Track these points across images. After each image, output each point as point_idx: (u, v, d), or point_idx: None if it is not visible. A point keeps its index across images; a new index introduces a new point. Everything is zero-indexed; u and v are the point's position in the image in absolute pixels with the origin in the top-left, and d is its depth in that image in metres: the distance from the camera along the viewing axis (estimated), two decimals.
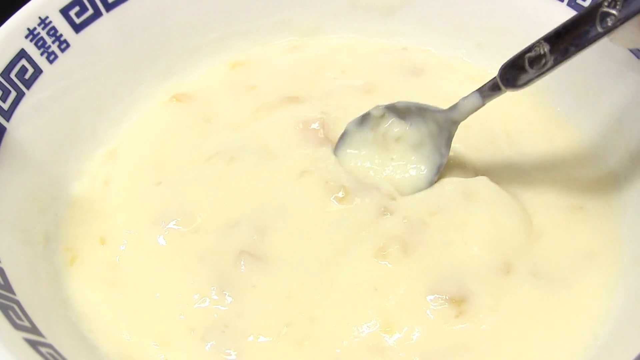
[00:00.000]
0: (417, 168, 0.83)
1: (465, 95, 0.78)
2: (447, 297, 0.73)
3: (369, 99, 0.89)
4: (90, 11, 0.87)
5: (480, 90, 0.77)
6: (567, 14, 0.86)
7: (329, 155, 0.84)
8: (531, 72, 0.72)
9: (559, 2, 0.88)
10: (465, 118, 0.79)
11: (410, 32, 1.00)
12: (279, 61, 0.98)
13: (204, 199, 0.81)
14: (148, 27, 0.93)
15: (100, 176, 0.86)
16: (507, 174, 0.84)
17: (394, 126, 0.83)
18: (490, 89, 0.76)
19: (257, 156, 0.84)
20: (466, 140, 0.86)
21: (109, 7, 0.88)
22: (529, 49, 0.72)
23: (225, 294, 0.74)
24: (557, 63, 0.70)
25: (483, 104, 0.77)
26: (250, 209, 0.79)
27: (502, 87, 0.74)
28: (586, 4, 0.85)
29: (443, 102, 0.81)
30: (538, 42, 0.71)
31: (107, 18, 0.88)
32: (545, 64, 0.71)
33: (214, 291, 0.74)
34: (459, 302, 0.72)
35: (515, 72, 0.73)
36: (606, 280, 0.76)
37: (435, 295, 0.73)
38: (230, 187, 0.82)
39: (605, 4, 0.65)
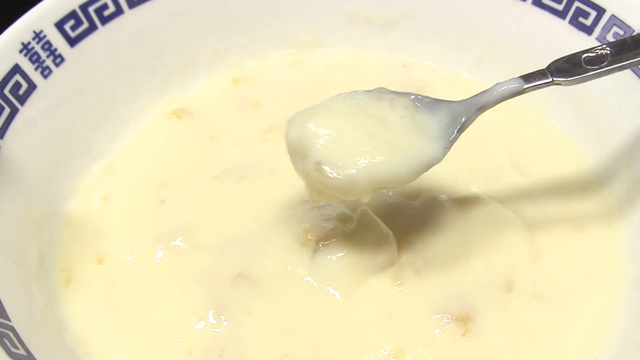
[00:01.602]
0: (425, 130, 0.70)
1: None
2: (453, 317, 0.73)
3: None
4: (86, 25, 0.85)
5: (523, 76, 0.71)
6: (568, 30, 0.87)
7: None
8: (587, 68, 0.69)
9: (561, 20, 0.87)
10: (496, 104, 0.71)
11: (410, 47, 0.99)
12: (280, 77, 0.97)
13: (209, 217, 0.80)
14: (143, 41, 0.91)
15: (96, 193, 0.85)
16: (509, 193, 0.83)
17: (398, 100, 0.70)
18: (536, 76, 0.70)
19: (268, 177, 0.83)
20: (467, 159, 0.85)
21: (104, 21, 0.87)
22: (588, 51, 0.70)
23: (222, 318, 0.73)
24: (617, 63, 0.69)
25: (523, 91, 0.70)
26: (252, 230, 0.79)
27: (551, 78, 0.70)
28: (587, 22, 0.85)
29: None
30: (600, 45, 0.70)
31: (102, 32, 0.87)
32: (605, 63, 0.69)
33: (211, 314, 0.73)
34: (464, 320, 0.72)
35: (568, 67, 0.70)
36: (608, 303, 0.75)
37: (442, 314, 0.73)
38: (237, 207, 0.81)
39: None
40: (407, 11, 0.97)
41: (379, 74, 0.97)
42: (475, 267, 0.76)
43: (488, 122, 0.79)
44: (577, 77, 0.69)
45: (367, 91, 0.71)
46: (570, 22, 0.86)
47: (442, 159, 0.69)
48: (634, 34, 0.69)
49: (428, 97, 0.71)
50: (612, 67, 0.69)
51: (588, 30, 0.85)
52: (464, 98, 0.71)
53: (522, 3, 0.90)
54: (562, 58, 0.71)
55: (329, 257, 0.75)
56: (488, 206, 0.80)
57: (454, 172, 0.82)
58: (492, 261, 0.76)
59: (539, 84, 0.70)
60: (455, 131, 0.69)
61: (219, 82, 0.97)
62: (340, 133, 0.67)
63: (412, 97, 0.71)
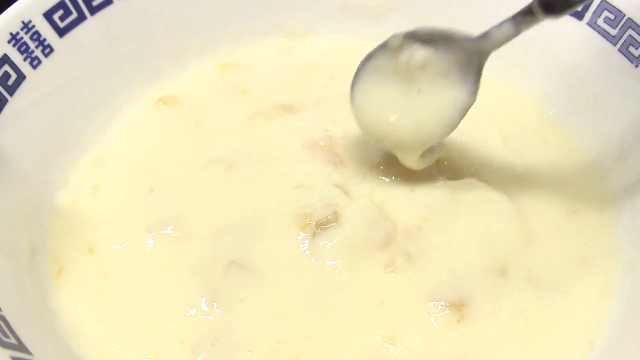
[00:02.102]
0: (447, 97, 0.74)
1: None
2: (447, 303, 0.72)
3: None
4: (75, 15, 0.85)
5: (513, 18, 0.70)
6: (562, 22, 0.86)
7: (330, 173, 0.82)
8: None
9: None
10: (496, 48, 0.72)
11: None
12: (270, 64, 0.97)
13: (200, 206, 0.80)
14: (134, 31, 0.90)
15: (87, 184, 0.84)
16: (502, 176, 0.83)
17: (417, 51, 0.73)
18: (525, 16, 0.68)
19: (258, 165, 0.83)
20: (461, 143, 0.85)
21: (93, 11, 0.86)
22: None
23: (215, 306, 0.73)
24: None
25: (517, 33, 0.70)
26: (244, 218, 0.78)
27: (539, 14, 0.67)
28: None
29: None
30: None
31: (91, 21, 0.86)
32: None
33: (204, 302, 0.73)
34: (459, 307, 0.72)
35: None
36: (602, 287, 0.76)
37: (436, 301, 0.72)
38: (228, 195, 0.80)
39: None
40: (399, 1, 0.97)
41: None
42: (469, 252, 0.75)
43: (483, 107, 0.78)
44: (564, 8, 0.66)
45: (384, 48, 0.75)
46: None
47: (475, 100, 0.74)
48: None
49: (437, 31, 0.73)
50: None
51: (579, 15, 0.85)
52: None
53: None
54: None
55: (326, 241, 0.75)
56: (481, 190, 0.80)
57: (448, 156, 0.82)
58: (486, 246, 0.76)
59: (529, 24, 0.69)
60: (476, 75, 0.73)
61: (208, 69, 0.96)
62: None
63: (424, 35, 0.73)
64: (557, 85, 0.89)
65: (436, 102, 0.74)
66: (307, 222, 0.76)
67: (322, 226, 0.75)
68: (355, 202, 0.78)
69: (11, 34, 0.79)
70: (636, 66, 0.80)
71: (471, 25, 0.93)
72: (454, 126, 0.75)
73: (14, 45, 0.79)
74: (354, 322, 0.72)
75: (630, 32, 0.80)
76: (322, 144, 0.84)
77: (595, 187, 0.83)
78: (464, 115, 0.75)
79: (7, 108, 0.78)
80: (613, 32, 0.79)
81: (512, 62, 0.91)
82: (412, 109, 0.75)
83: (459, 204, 0.78)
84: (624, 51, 0.81)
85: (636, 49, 0.80)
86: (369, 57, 0.77)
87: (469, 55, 0.73)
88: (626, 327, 0.71)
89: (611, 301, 0.74)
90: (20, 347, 0.62)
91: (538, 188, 0.82)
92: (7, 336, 0.62)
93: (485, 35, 0.72)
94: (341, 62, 0.96)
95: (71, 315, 0.73)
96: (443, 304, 0.72)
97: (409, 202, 0.79)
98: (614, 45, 0.82)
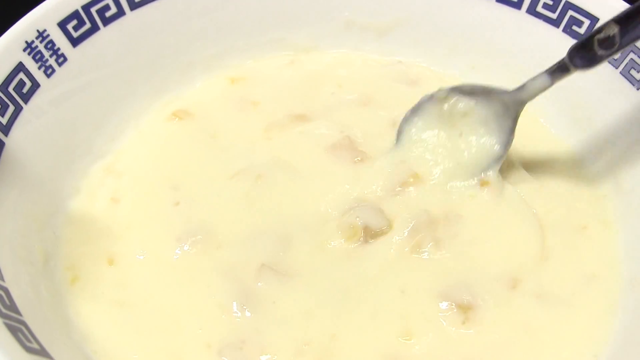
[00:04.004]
0: (488, 141, 0.83)
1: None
2: (456, 303, 0.75)
3: (369, 111, 0.92)
4: (88, 25, 0.86)
5: (548, 71, 0.78)
6: (562, 38, 0.89)
7: (360, 175, 0.84)
8: (600, 52, 0.73)
9: (554, 28, 0.90)
10: (532, 98, 0.80)
11: (405, 53, 1.01)
12: (277, 76, 0.98)
13: (230, 216, 0.81)
14: (144, 43, 0.92)
15: (102, 194, 0.85)
16: (522, 190, 0.85)
17: (460, 102, 0.83)
18: (559, 70, 0.77)
19: (285, 173, 0.85)
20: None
21: (106, 22, 0.87)
22: (599, 31, 0.73)
23: (245, 309, 0.73)
24: (626, 43, 0.72)
25: (552, 84, 0.78)
26: (276, 225, 0.80)
27: (571, 68, 0.76)
28: (581, 30, 0.87)
29: None
30: (607, 23, 0.73)
31: (104, 32, 0.87)
32: (615, 44, 0.72)
33: (235, 306, 0.74)
34: (466, 309, 0.74)
35: (584, 53, 0.74)
36: (606, 302, 0.78)
37: (447, 300, 0.75)
38: (256, 205, 0.82)
39: None
40: (403, 19, 0.99)
41: (374, 71, 0.99)
42: (487, 258, 0.78)
43: None
44: (593, 64, 0.74)
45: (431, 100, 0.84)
46: (564, 30, 0.89)
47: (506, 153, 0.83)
48: (635, 5, 0.71)
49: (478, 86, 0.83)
50: (623, 46, 0.73)
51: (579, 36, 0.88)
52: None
53: (516, 11, 0.92)
54: (578, 43, 0.75)
55: (373, 249, 0.78)
56: (517, 202, 0.83)
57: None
58: (502, 256, 0.78)
59: (562, 77, 0.77)
60: (512, 124, 0.82)
61: (217, 83, 0.97)
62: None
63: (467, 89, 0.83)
64: (559, 105, 0.91)
65: (474, 145, 0.84)
66: (354, 231, 0.78)
67: (372, 236, 0.78)
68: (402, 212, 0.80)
69: (26, 42, 0.80)
70: (637, 89, 0.83)
71: (473, 46, 0.97)
72: (490, 162, 0.83)
73: (29, 54, 0.80)
74: (376, 316, 0.74)
75: (632, 55, 0.83)
76: (342, 144, 0.86)
77: (598, 201, 0.85)
78: (502, 153, 0.83)
79: (22, 115, 0.79)
80: (615, 55, 0.82)
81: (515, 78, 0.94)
82: (452, 150, 0.84)
83: (494, 209, 0.81)
84: (626, 74, 0.83)
85: (637, 72, 0.82)
86: (417, 107, 0.86)
87: (506, 107, 0.82)
88: (629, 340, 0.73)
89: (614, 315, 0.76)
90: (43, 351, 0.63)
91: (551, 201, 0.84)
92: (29, 341, 0.62)
93: (521, 87, 0.80)
94: (347, 72, 0.99)
95: (87, 323, 0.73)
96: (453, 303, 0.75)
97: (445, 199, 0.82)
98: (616, 68, 0.85)
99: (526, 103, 0.81)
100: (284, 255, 0.77)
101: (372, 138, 0.88)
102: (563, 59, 0.76)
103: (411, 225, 0.78)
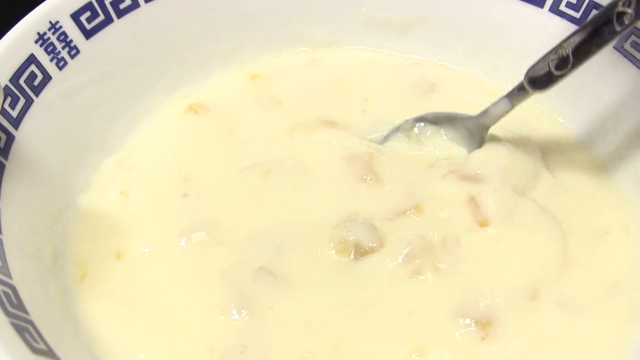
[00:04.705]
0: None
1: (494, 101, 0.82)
2: (474, 320, 0.72)
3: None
4: (102, 17, 0.84)
5: (508, 95, 0.81)
6: None
7: (369, 192, 0.82)
8: (556, 73, 0.76)
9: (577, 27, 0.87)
10: (495, 122, 0.83)
11: (425, 51, 0.99)
12: (298, 76, 0.96)
13: (233, 211, 0.80)
14: (158, 36, 0.90)
15: (112, 188, 0.83)
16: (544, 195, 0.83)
17: (427, 129, 0.86)
18: (518, 92, 0.80)
19: (295, 172, 0.83)
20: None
21: (120, 14, 0.86)
22: (553, 52, 0.76)
23: (243, 313, 0.72)
24: (579, 62, 0.74)
25: (512, 107, 0.81)
26: (277, 226, 0.78)
27: (529, 90, 0.78)
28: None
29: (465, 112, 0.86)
30: (560, 44, 0.75)
31: (118, 24, 0.86)
32: (569, 64, 0.75)
33: (233, 309, 0.72)
34: (485, 325, 0.72)
35: (541, 75, 0.77)
36: (627, 310, 0.75)
37: (464, 317, 0.72)
38: (262, 201, 0.81)
39: (620, 3, 0.70)
40: (423, 16, 0.98)
41: (394, 73, 0.97)
42: (503, 272, 0.76)
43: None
44: (549, 85, 0.77)
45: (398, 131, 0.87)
46: None
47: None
48: (584, 22, 0.74)
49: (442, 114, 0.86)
50: (575, 66, 0.75)
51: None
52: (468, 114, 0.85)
53: (539, 10, 0.90)
54: (533, 65, 0.78)
55: (364, 265, 0.76)
56: (532, 209, 0.80)
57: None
58: (521, 267, 0.76)
59: (522, 99, 0.80)
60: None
61: (236, 78, 0.96)
62: None
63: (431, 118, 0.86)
64: (581, 107, 0.90)
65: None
66: (345, 246, 0.76)
67: (362, 253, 0.76)
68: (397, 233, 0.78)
69: (38, 33, 0.78)
70: None
71: (494, 45, 0.95)
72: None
73: (41, 45, 0.78)
74: (382, 333, 0.72)
75: None
76: (361, 160, 0.84)
77: (622, 207, 0.83)
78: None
79: (33, 108, 0.77)
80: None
81: None
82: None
83: (509, 221, 0.79)
84: None
85: None
86: (386, 139, 0.87)
87: (470, 132, 0.85)
88: None
89: (635, 324, 0.74)
90: (50, 352, 0.61)
91: (572, 206, 0.82)
92: (36, 341, 0.61)
93: (484, 112, 0.83)
94: (368, 75, 0.97)
95: (96, 322, 0.72)
96: (469, 320, 0.72)
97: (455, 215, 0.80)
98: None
99: (489, 127, 0.84)
100: (279, 259, 0.75)
101: (394, 163, 0.86)
102: (521, 82, 0.79)
103: (405, 252, 0.76)
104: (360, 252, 0.76)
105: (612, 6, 0.71)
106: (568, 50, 0.75)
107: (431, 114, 0.86)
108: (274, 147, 0.86)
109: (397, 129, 0.87)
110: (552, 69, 0.76)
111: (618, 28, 0.71)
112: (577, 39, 0.74)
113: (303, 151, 0.85)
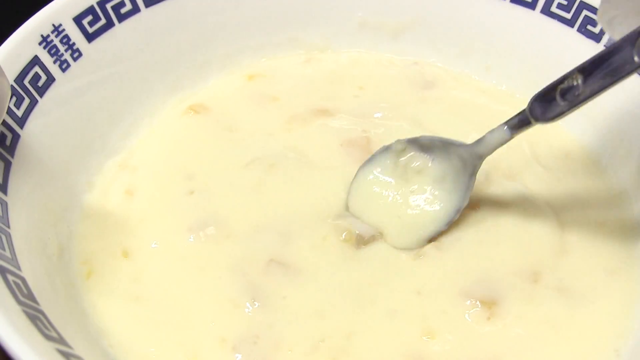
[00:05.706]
0: (437, 204, 0.80)
1: (492, 128, 0.76)
2: (479, 300, 0.74)
3: (393, 114, 0.92)
4: (103, 21, 0.85)
5: (507, 123, 0.74)
6: (577, 38, 0.89)
7: None
8: (563, 104, 0.68)
9: (569, 28, 0.90)
10: (491, 152, 0.76)
11: (420, 53, 1.01)
12: (295, 74, 0.98)
13: (240, 205, 0.80)
14: (159, 40, 0.91)
15: (117, 188, 0.84)
16: (539, 186, 0.85)
17: (415, 159, 0.80)
18: (519, 122, 0.73)
19: (298, 164, 0.84)
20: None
21: (121, 18, 0.87)
22: (561, 81, 0.68)
23: (256, 304, 0.72)
24: (591, 94, 0.66)
25: (511, 138, 0.74)
26: (284, 217, 0.79)
27: (532, 121, 0.71)
28: (596, 29, 0.88)
29: (458, 111, 0.88)
30: (571, 73, 0.67)
31: (119, 28, 0.87)
32: (579, 95, 0.66)
33: (246, 301, 0.73)
34: (490, 304, 0.74)
35: (546, 105, 0.69)
36: (626, 297, 0.77)
37: (470, 297, 0.74)
38: (268, 194, 0.82)
39: None
40: (417, 19, 0.99)
41: (390, 71, 0.99)
42: (505, 253, 0.78)
43: None
44: (554, 117, 0.69)
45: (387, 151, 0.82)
46: (579, 30, 0.89)
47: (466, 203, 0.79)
48: (600, 52, 0.66)
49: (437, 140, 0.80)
50: (587, 99, 0.66)
51: (596, 37, 0.88)
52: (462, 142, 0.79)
53: (530, 11, 0.93)
54: (539, 94, 0.71)
55: (367, 251, 0.78)
56: (524, 196, 0.82)
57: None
58: (521, 248, 0.78)
59: (523, 129, 0.73)
60: (470, 179, 0.78)
61: (234, 79, 0.97)
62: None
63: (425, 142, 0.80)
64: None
65: (425, 207, 0.80)
66: (348, 234, 0.78)
67: (364, 242, 0.78)
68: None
69: (42, 36, 0.79)
70: None
71: (488, 46, 0.97)
72: (441, 226, 0.79)
73: (44, 48, 0.79)
74: (394, 316, 0.73)
75: None
76: (358, 143, 0.86)
77: (617, 198, 0.85)
78: (455, 216, 0.79)
79: (37, 108, 0.78)
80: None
81: (529, 78, 0.94)
82: (401, 208, 0.80)
83: (502, 205, 0.81)
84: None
85: None
86: (373, 157, 0.83)
87: (464, 162, 0.78)
88: None
89: (635, 309, 0.76)
90: (62, 340, 0.61)
91: (568, 198, 0.84)
92: (48, 329, 0.61)
93: (480, 141, 0.76)
94: (366, 71, 0.99)
95: (103, 317, 0.72)
96: (475, 300, 0.74)
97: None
98: None
99: (485, 158, 0.77)
100: (288, 250, 0.76)
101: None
102: (523, 111, 0.72)
103: None
104: (363, 241, 0.78)
105: (633, 36, 0.62)
106: (579, 80, 0.66)
107: (426, 137, 0.80)
108: (273, 140, 0.88)
109: (386, 149, 0.82)
110: (559, 98, 0.68)
111: (638, 60, 0.61)
112: (590, 69, 0.66)
113: (302, 142, 0.87)
